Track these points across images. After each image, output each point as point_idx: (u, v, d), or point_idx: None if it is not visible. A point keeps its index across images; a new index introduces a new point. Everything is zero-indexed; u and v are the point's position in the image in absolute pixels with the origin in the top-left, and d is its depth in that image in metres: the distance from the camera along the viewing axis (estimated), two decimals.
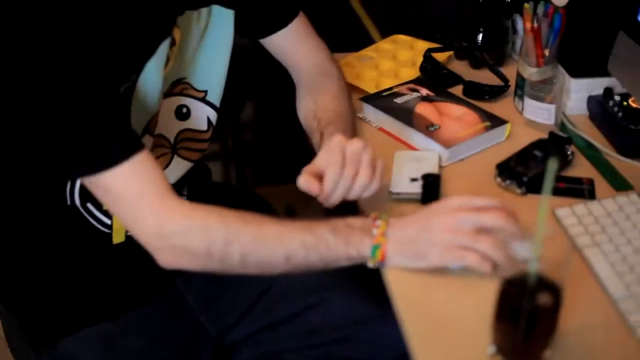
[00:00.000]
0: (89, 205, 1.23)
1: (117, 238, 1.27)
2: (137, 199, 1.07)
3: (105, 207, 1.23)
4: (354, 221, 1.09)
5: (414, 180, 1.26)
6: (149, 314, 1.28)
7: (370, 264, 1.08)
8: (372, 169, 1.15)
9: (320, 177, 1.15)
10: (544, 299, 0.90)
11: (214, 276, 1.13)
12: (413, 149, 1.38)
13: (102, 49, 1.05)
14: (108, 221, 1.25)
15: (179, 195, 1.26)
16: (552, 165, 0.88)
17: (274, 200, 1.55)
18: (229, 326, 1.34)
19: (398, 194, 1.25)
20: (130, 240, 1.23)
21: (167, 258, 1.08)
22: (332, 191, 1.14)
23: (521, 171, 1.26)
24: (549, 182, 0.89)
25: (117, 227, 1.27)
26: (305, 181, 1.13)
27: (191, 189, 1.39)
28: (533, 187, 1.25)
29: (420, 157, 1.33)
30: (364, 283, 1.33)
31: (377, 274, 1.11)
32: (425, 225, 1.07)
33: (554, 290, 0.91)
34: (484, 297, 0.98)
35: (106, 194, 1.08)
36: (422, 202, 1.24)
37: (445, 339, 1.01)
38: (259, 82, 2.01)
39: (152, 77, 1.16)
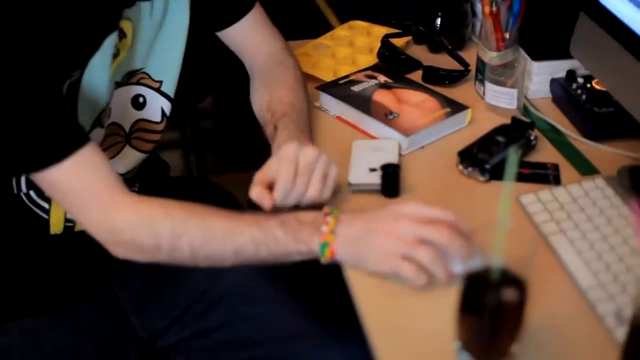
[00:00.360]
0: (31, 193, 1.20)
1: (55, 228, 1.23)
2: (83, 193, 1.06)
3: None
4: (305, 216, 1.05)
5: (373, 170, 1.21)
6: (79, 310, 1.25)
7: (323, 261, 1.04)
8: (323, 181, 1.12)
9: (271, 187, 1.12)
10: (508, 294, 0.86)
11: (150, 278, 1.11)
12: (372, 137, 1.33)
13: (43, 46, 1.02)
14: (46, 205, 1.22)
15: (131, 189, 1.24)
16: (513, 155, 0.84)
17: (236, 188, 1.50)
18: (161, 330, 1.30)
19: (357, 185, 1.21)
20: (67, 233, 1.23)
21: (117, 251, 1.07)
22: (282, 202, 1.11)
23: (484, 158, 1.22)
24: (510, 173, 0.84)
25: (55, 216, 1.23)
26: (257, 195, 1.10)
27: (144, 183, 1.36)
28: (496, 174, 1.21)
29: (379, 146, 1.28)
30: (311, 295, 1.28)
31: (332, 281, 1.08)
32: (371, 227, 1.03)
33: (519, 284, 0.86)
34: (449, 294, 0.94)
35: (52, 189, 1.07)
36: (382, 193, 1.19)
37: (408, 336, 0.97)
38: (218, 71, 1.96)
39: (98, 71, 1.13)
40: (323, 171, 1.12)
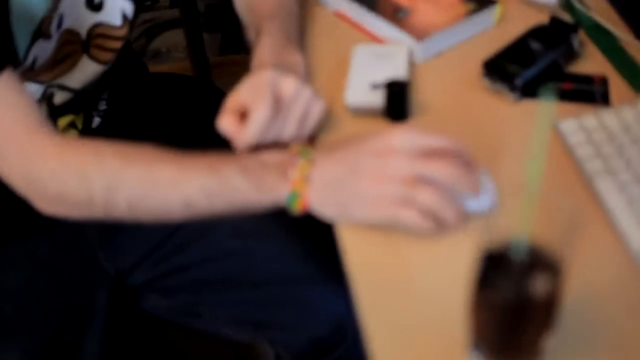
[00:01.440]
0: None
1: None
2: None
3: None
4: (270, 157, 0.85)
5: (376, 86, 0.98)
6: (36, 246, 1.09)
7: (294, 214, 0.85)
8: (301, 121, 0.92)
9: (242, 115, 0.91)
10: (537, 284, 0.64)
11: None
12: (377, 40, 1.09)
13: None
14: None
15: (96, 108, 1.14)
16: (548, 97, 0.60)
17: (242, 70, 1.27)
18: (131, 265, 1.13)
19: (355, 106, 0.97)
20: None
21: (43, 206, 0.91)
22: (252, 140, 0.89)
23: (514, 70, 0.98)
24: (544, 123, 0.61)
25: None
26: (226, 126, 0.90)
27: (114, 95, 1.18)
28: (529, 90, 0.98)
29: (385, 52, 1.04)
30: (309, 230, 1.07)
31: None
32: (353, 167, 0.82)
33: (551, 267, 0.64)
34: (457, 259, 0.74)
35: None
36: (387, 116, 0.96)
37: (402, 307, 0.77)
38: None
39: None
40: (303, 109, 0.91)
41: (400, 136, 0.81)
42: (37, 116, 0.89)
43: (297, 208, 0.83)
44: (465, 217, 0.81)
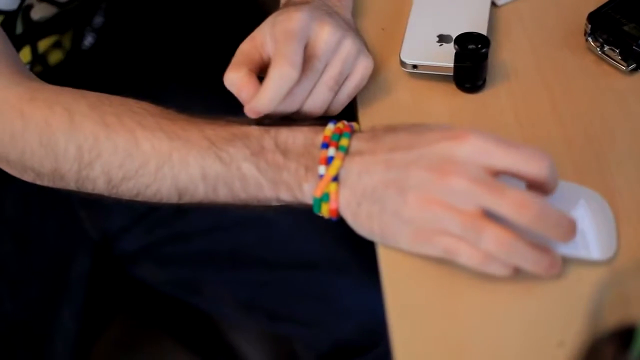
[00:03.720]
0: None
1: None
2: None
3: None
4: (292, 137, 0.64)
5: (442, 40, 0.74)
6: None
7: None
8: (336, 86, 0.69)
9: (261, 70, 0.68)
10: None
11: None
12: None
13: None
14: None
15: (92, 18, 0.96)
16: None
17: None
18: (120, 229, 0.94)
19: (414, 65, 0.73)
20: None
21: (7, 170, 0.73)
22: (268, 108, 0.65)
23: (631, 31, 0.73)
24: None
25: None
26: (236, 80, 0.67)
27: (113, 6, 0.98)
28: None
29: None
30: None
31: None
32: (396, 178, 0.59)
33: None
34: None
35: None
36: (455, 82, 0.72)
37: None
38: None
39: None
40: (342, 69, 0.68)
41: (472, 146, 0.56)
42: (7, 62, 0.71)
43: (325, 213, 0.62)
44: (558, 266, 0.57)
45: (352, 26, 0.74)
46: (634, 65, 0.73)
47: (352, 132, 0.62)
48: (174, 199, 0.67)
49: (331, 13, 0.71)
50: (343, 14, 0.74)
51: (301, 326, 0.91)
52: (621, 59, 0.73)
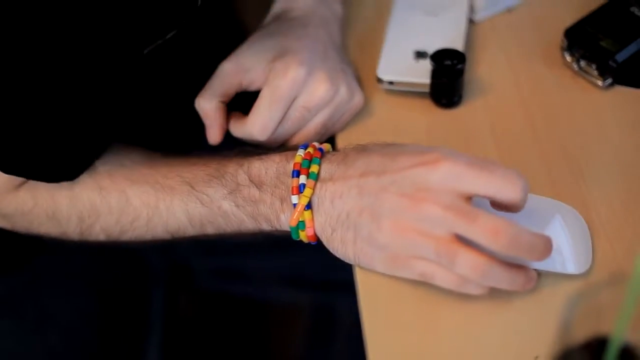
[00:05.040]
0: None
1: None
2: None
3: None
4: (263, 168, 0.63)
5: (420, 56, 0.74)
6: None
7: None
8: (323, 129, 0.71)
9: (235, 89, 0.71)
10: None
11: None
12: None
13: None
14: None
15: None
16: None
17: None
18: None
19: (390, 82, 0.73)
20: None
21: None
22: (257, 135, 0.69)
23: (607, 46, 0.73)
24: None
25: None
26: (205, 111, 0.71)
27: None
28: (626, 75, 0.73)
29: (436, 5, 0.79)
30: None
31: None
32: (369, 203, 0.58)
33: None
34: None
35: None
36: (432, 98, 0.72)
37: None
38: None
39: None
40: (333, 114, 0.71)
41: (444, 172, 0.55)
42: None
43: (304, 239, 0.62)
44: (533, 281, 0.57)
45: (345, 59, 0.75)
46: (610, 81, 0.73)
47: (322, 156, 0.62)
48: (168, 239, 0.69)
49: (327, 53, 0.71)
50: (335, 37, 0.74)
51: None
52: (598, 74, 0.73)
